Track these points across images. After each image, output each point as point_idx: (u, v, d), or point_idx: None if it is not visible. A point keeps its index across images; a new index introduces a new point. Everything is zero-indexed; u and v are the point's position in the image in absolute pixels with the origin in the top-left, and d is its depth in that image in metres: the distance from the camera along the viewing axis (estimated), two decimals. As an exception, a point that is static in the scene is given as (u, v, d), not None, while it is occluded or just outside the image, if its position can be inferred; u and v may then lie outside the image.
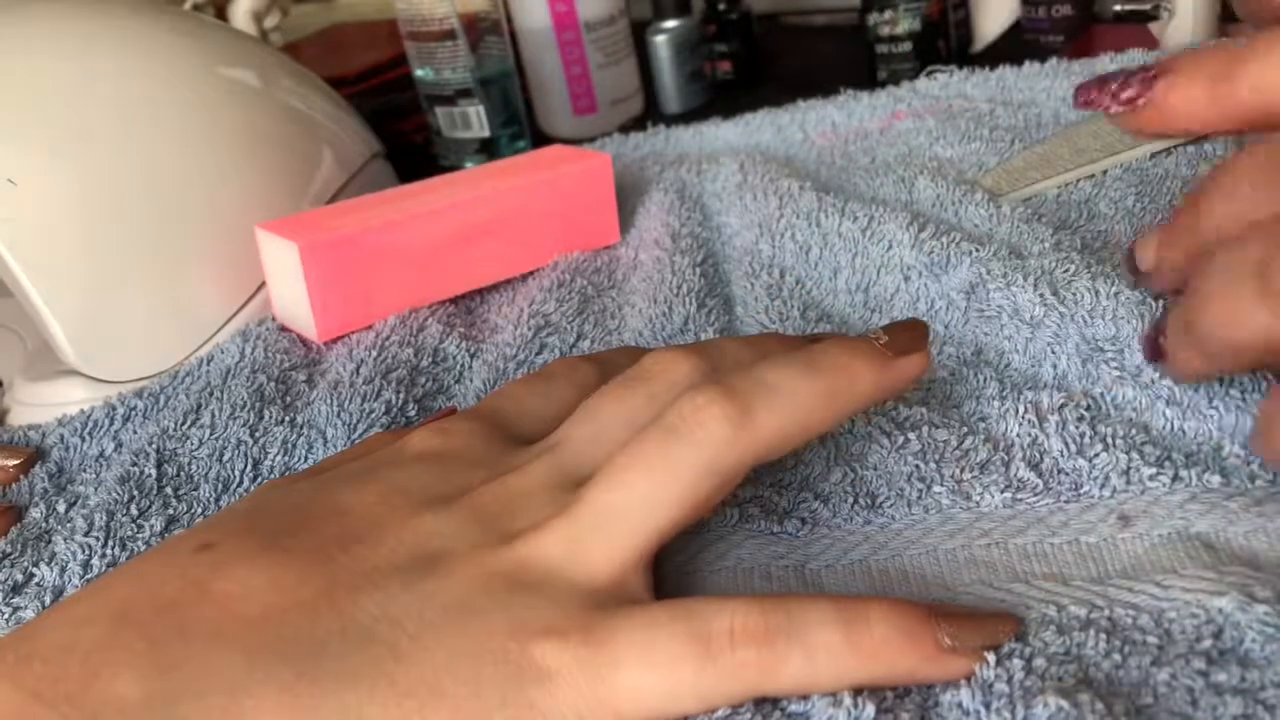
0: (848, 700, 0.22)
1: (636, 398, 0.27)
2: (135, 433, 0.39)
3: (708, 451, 0.24)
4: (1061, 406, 0.31)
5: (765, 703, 0.23)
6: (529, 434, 0.30)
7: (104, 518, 0.33)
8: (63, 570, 0.31)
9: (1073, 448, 0.30)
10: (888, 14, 0.69)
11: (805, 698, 0.23)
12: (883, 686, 0.23)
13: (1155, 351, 0.30)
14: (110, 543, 0.32)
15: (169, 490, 0.35)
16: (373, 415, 0.37)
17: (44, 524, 0.35)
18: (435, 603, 0.23)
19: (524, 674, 0.22)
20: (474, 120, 0.64)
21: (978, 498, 0.29)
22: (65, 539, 0.32)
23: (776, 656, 0.22)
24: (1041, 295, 0.35)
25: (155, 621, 0.23)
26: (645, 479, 0.24)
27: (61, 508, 0.35)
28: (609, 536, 0.24)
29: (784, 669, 0.22)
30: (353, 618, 0.23)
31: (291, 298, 0.43)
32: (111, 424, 0.40)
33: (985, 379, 0.34)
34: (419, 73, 0.64)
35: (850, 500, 0.30)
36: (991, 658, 0.23)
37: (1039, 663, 0.22)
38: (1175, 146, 0.47)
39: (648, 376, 0.28)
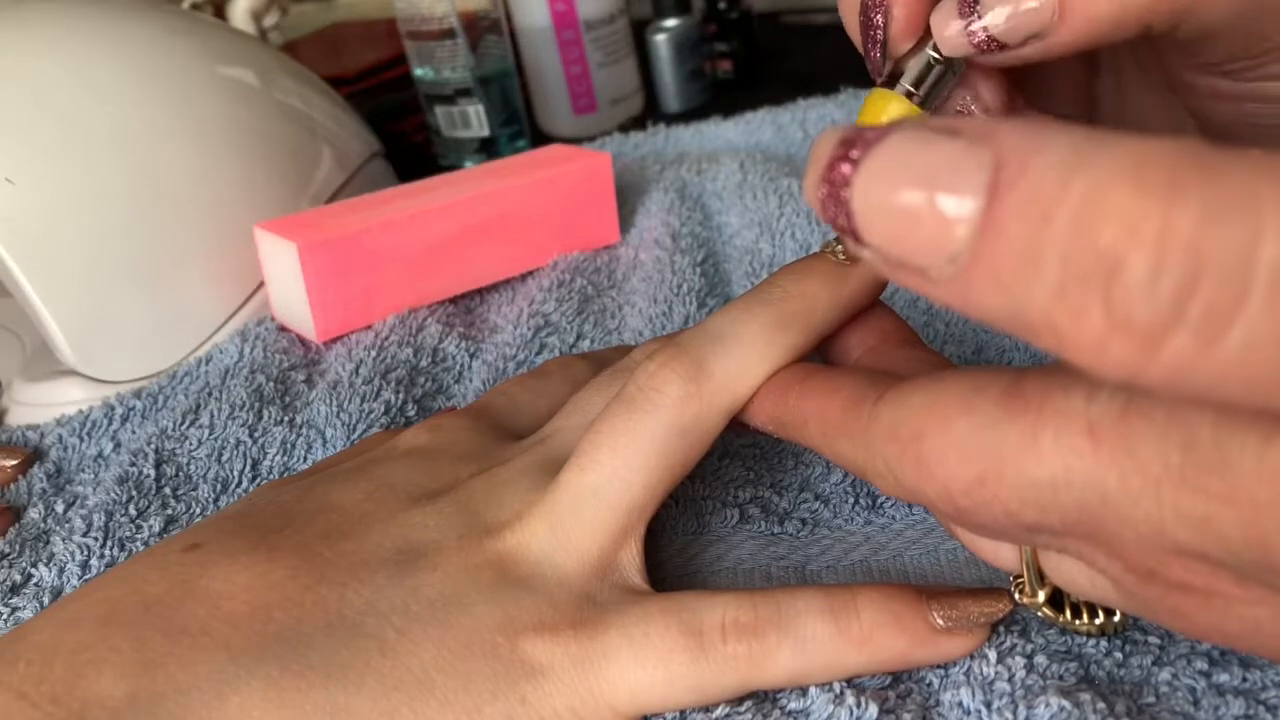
0: (850, 699, 0.22)
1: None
2: (134, 433, 0.39)
3: (669, 414, 0.24)
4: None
5: (765, 702, 0.23)
6: (522, 429, 0.30)
7: (102, 518, 0.33)
8: (61, 571, 0.31)
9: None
10: (888, 13, 0.69)
11: (805, 695, 0.22)
12: (879, 673, 0.23)
13: None
14: (109, 543, 0.32)
15: (168, 490, 0.35)
16: (372, 415, 0.37)
17: (42, 524, 0.34)
18: (421, 596, 0.23)
19: (514, 669, 0.22)
20: (474, 120, 0.64)
21: (978, 497, 0.29)
22: (64, 539, 0.32)
23: (767, 649, 0.22)
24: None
25: (141, 621, 0.23)
26: (610, 454, 0.24)
27: (60, 508, 0.35)
28: (586, 517, 0.24)
29: (775, 661, 0.22)
30: (339, 612, 0.23)
31: (290, 297, 0.43)
32: (110, 424, 0.40)
33: (986, 378, 0.33)
34: (418, 72, 0.64)
35: (851, 500, 0.30)
36: (992, 655, 0.23)
37: (1040, 660, 0.22)
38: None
39: (634, 366, 0.27)
